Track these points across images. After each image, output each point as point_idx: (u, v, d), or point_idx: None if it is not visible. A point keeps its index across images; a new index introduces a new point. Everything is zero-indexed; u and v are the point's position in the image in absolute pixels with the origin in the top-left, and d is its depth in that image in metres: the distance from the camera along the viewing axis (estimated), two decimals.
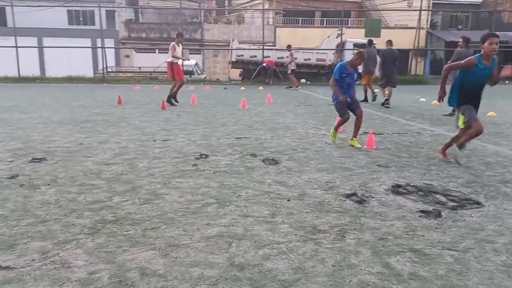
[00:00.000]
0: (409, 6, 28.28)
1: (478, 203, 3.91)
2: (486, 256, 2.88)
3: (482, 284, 2.52)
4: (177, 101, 11.74)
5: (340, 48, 22.04)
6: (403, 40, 25.68)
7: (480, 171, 5.01)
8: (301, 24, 29.60)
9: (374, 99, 12.88)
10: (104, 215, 3.51)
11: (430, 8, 26.88)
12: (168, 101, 11.45)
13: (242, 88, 18.19)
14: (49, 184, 4.33)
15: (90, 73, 23.92)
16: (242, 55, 22.14)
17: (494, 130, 7.95)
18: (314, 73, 22.34)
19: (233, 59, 22.46)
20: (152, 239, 3.07)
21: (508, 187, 4.39)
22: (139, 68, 24.86)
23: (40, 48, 27.19)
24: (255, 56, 22.12)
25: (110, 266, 2.68)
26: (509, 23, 29.02)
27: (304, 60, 22.01)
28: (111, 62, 25.90)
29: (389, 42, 12.53)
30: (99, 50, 22.95)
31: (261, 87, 18.54)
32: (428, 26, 27.93)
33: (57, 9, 25.86)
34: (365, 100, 12.85)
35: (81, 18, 31.10)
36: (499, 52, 26.78)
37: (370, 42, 13.73)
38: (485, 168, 5.13)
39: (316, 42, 24.68)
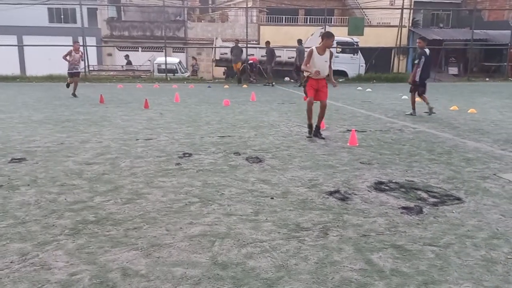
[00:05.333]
0: (391, 5, 28.55)
1: (458, 199, 3.97)
2: (466, 251, 2.93)
3: (462, 279, 2.56)
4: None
5: None
6: (386, 38, 25.94)
7: (460, 167, 5.09)
8: (285, 22, 29.62)
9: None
10: (85, 216, 3.46)
11: (412, 7, 27.18)
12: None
13: (226, 86, 18.12)
14: (29, 185, 4.24)
15: None
16: (226, 53, 22.02)
17: (475, 126, 8.09)
18: (298, 72, 22.37)
19: (217, 58, 22.32)
20: (134, 239, 3.03)
21: (487, 182, 4.47)
22: (122, 66, 24.57)
23: (20, 46, 26.61)
24: None
25: (91, 267, 2.64)
26: (489, 22, 29.55)
27: (288, 58, 22.02)
28: (93, 60, 25.47)
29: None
30: (81, 48, 22.57)
31: (245, 85, 18.50)
32: (410, 24, 28.23)
33: (37, 6, 25.36)
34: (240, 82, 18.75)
35: (62, 16, 30.52)
36: (480, 50, 27.32)
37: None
38: (465, 164, 5.21)
39: None
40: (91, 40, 25.32)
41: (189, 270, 2.61)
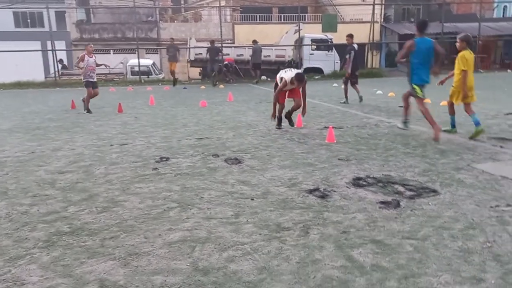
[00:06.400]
0: (363, 1, 28.93)
1: (434, 191, 4.04)
2: (444, 242, 2.97)
3: (441, 271, 2.59)
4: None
5: (299, 44, 22.23)
6: (359, 34, 26.17)
7: (435, 159, 5.18)
8: (259, 20, 29.65)
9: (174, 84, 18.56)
10: (59, 227, 3.35)
11: (383, 2, 27.61)
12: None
13: (202, 87, 18.00)
14: None
15: (41, 77, 22.89)
16: (201, 53, 21.88)
17: (447, 119, 8.24)
18: (274, 70, 22.44)
19: (192, 58, 22.13)
20: (111, 249, 2.96)
21: (462, 173, 4.56)
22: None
23: None
24: None
25: (67, 280, 2.56)
26: (458, 15, 30.28)
27: (264, 56, 22.05)
28: None
29: (212, 42, 19.18)
30: (50, 53, 22.01)
31: (221, 86, 18.42)
32: (382, 20, 28.67)
33: (1, 10, 24.61)
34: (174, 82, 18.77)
35: (28, 20, 29.72)
36: (451, 43, 27.97)
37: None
38: (440, 156, 5.31)
39: (274, 38, 24.77)
40: (60, 44, 24.73)
41: (169, 278, 2.56)
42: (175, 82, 18.77)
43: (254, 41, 20.06)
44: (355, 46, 11.21)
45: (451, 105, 6.83)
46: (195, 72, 24.36)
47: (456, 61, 6.58)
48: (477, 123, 6.36)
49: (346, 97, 11.09)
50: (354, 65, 11.06)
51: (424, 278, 2.51)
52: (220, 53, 19.03)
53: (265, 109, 10.37)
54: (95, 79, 10.67)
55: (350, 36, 11.29)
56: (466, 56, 6.36)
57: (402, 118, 7.20)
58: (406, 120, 7.11)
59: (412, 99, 6.79)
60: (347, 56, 11.07)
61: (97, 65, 10.73)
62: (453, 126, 6.93)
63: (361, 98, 11.07)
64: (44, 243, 3.07)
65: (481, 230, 3.15)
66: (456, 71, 6.55)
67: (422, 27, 6.79)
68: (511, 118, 8.16)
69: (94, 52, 10.89)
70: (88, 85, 10.39)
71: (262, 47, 22.31)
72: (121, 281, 2.54)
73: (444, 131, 6.76)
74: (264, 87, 17.59)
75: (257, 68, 20.23)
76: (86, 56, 10.31)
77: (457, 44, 6.55)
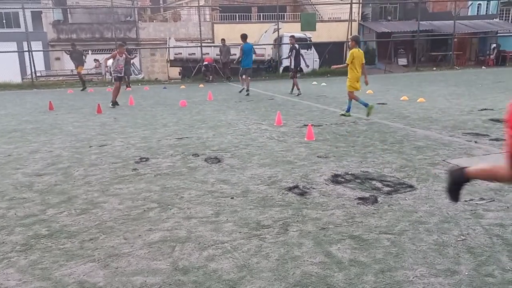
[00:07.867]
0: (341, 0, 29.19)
1: (411, 186, 4.13)
2: (420, 236, 3.05)
3: (417, 264, 2.66)
4: None
5: (278, 43, 22.31)
6: (337, 33, 26.52)
7: (412, 155, 5.29)
8: (238, 20, 29.62)
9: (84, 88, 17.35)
10: (37, 230, 3.31)
11: (361, 1, 27.89)
12: None
13: (182, 86, 17.90)
14: None
15: (17, 79, 22.38)
16: (180, 53, 21.74)
17: (424, 115, 8.44)
18: (254, 68, 22.47)
19: (171, 58, 22.00)
20: (91, 251, 2.94)
21: (437, 169, 4.68)
22: (71, 71, 23.62)
23: None
24: (194, 53, 21.86)
25: (46, 283, 2.53)
26: (434, 13, 30.85)
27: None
28: (40, 66, 24.38)
29: (223, 40, 20.11)
30: (26, 54, 21.52)
31: (201, 85, 18.36)
32: (360, 18, 28.97)
33: None
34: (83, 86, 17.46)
35: (4, 21, 29.03)
36: (427, 41, 28.47)
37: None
38: (416, 152, 5.43)
39: (254, 37, 24.76)
40: (36, 45, 24.20)
41: (149, 278, 2.57)
42: (84, 85, 17.41)
43: (223, 40, 20.40)
44: (296, 46, 13.16)
45: (352, 93, 8.40)
46: (175, 71, 24.20)
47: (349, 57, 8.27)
48: (365, 105, 8.04)
49: (298, 88, 13.06)
50: (296, 61, 13.15)
51: (400, 272, 2.57)
52: (132, 57, 18.38)
53: (245, 107, 10.40)
54: (122, 74, 12.19)
55: (292, 37, 13.34)
56: (354, 54, 8.02)
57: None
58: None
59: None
60: (289, 54, 13.27)
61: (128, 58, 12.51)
62: (348, 109, 8.56)
63: (298, 92, 12.97)
64: (21, 247, 3.03)
65: (455, 223, 3.25)
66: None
67: (244, 38, 13.49)
68: (485, 114, 8.37)
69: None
70: (116, 80, 11.81)
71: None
72: (100, 282, 2.53)
73: (342, 115, 8.51)
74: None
75: (227, 67, 20.55)
76: (117, 55, 11.49)
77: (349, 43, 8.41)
